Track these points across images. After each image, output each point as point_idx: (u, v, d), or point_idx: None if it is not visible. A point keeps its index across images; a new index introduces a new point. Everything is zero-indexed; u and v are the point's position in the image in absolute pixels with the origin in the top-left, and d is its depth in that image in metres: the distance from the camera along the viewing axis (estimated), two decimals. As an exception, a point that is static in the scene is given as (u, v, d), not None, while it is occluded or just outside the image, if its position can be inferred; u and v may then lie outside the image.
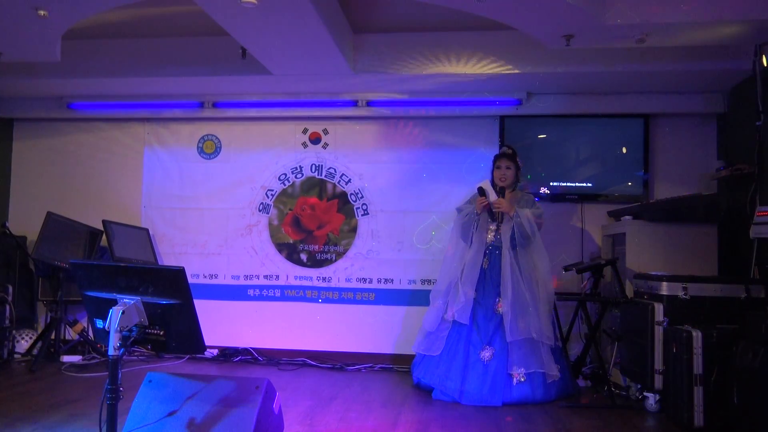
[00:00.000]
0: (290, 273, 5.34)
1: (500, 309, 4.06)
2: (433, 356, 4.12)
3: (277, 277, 5.35)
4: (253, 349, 5.22)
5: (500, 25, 3.92)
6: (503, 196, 4.22)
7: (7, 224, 5.05)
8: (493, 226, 4.20)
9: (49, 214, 4.94)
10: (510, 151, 4.34)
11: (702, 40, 3.92)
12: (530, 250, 4.16)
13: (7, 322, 4.73)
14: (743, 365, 3.09)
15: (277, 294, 5.35)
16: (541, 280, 4.15)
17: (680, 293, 3.62)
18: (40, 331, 5.11)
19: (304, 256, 5.36)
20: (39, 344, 4.83)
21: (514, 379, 3.91)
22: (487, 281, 4.14)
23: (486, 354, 3.98)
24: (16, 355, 4.93)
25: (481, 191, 4.15)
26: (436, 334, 4.18)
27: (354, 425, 3.38)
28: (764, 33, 3.73)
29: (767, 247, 3.80)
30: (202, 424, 2.50)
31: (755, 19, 3.58)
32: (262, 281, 5.36)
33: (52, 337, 4.87)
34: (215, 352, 5.20)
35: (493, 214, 4.17)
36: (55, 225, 4.96)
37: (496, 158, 4.37)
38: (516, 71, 4.54)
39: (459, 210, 4.43)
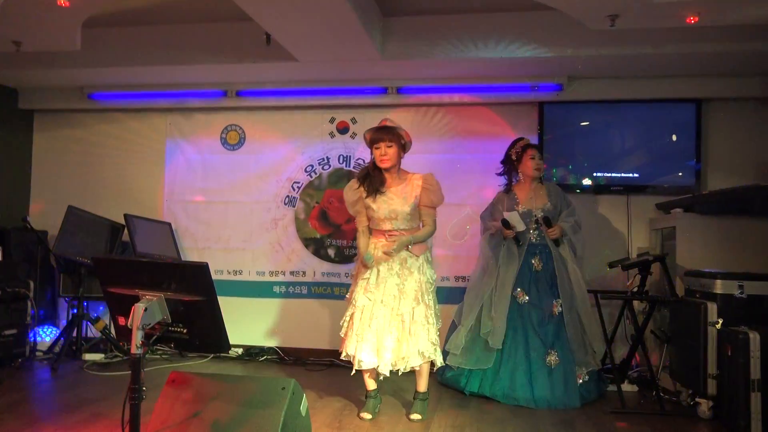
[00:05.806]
0: (317, 269, 5.24)
1: (556, 310, 4.04)
2: (486, 368, 4.02)
3: (304, 273, 5.26)
4: (279, 348, 5.18)
5: (539, 5, 3.84)
6: (532, 187, 4.23)
7: (27, 219, 5.05)
8: (533, 225, 4.18)
9: (70, 208, 4.93)
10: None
11: (758, 17, 3.72)
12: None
13: (28, 318, 4.75)
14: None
15: (304, 291, 5.26)
16: (580, 277, 4.16)
17: (736, 292, 3.52)
18: (62, 327, 5.11)
19: (331, 252, 5.24)
20: (61, 341, 4.84)
21: (579, 380, 3.95)
22: (540, 282, 4.10)
23: (552, 358, 3.94)
24: (38, 353, 4.95)
25: (506, 223, 4.07)
26: (481, 346, 4.07)
27: (385, 428, 3.34)
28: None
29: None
30: (226, 426, 2.49)
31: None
32: (288, 277, 5.28)
33: (74, 334, 4.87)
34: (240, 350, 5.17)
35: (518, 240, 4.14)
36: (76, 219, 4.94)
37: (529, 147, 4.25)
38: (556, 54, 4.43)
39: (483, 219, 4.37)
